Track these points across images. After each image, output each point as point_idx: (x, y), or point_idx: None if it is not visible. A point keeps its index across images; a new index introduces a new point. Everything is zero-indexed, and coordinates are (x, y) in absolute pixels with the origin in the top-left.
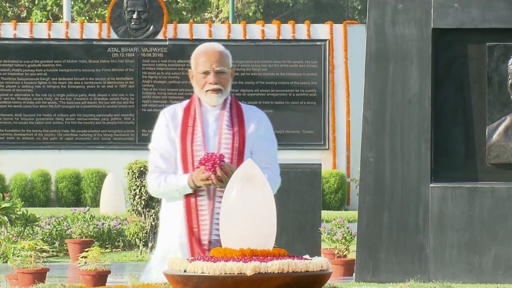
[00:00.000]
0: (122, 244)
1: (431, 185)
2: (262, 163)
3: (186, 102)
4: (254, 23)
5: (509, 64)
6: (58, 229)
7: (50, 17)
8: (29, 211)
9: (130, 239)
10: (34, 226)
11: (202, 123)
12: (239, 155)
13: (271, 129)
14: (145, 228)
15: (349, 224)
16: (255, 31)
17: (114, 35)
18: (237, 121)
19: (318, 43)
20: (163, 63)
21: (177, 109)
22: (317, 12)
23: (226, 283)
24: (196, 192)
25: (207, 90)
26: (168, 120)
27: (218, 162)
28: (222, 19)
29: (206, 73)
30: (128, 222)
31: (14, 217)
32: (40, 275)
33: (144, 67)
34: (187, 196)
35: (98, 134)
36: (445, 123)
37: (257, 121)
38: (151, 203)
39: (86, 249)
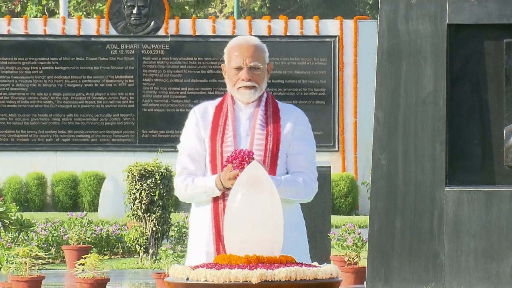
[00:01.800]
0: (121, 251)
1: (446, 188)
2: (298, 167)
3: (219, 99)
4: (260, 18)
5: None
6: (54, 234)
7: (46, 12)
8: (24, 216)
9: (129, 245)
10: (29, 232)
11: (234, 122)
12: (273, 158)
13: (310, 130)
14: (146, 233)
15: (360, 229)
16: (261, 27)
17: (113, 31)
18: (272, 120)
19: (327, 39)
20: (164, 61)
21: (208, 106)
22: (326, 7)
23: None
24: (224, 195)
25: (240, 87)
26: (198, 119)
27: (247, 159)
28: (227, 14)
29: (239, 68)
30: (127, 227)
31: (8, 222)
32: (35, 283)
33: (145, 65)
34: (215, 200)
35: (96, 135)
36: (461, 123)
37: (294, 121)
38: (152, 207)
39: (83, 256)
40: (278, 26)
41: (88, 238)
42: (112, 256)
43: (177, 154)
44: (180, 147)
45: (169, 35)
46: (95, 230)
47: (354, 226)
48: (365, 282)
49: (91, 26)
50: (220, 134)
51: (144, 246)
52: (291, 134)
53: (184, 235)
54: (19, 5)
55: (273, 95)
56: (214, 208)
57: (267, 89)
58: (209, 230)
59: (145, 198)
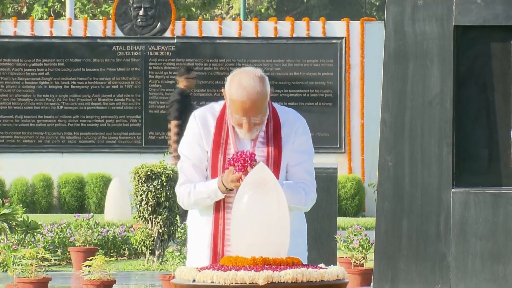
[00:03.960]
0: (127, 252)
1: (453, 190)
2: (297, 178)
3: (218, 108)
4: (267, 20)
5: None
6: (61, 236)
7: (52, 14)
8: (30, 217)
9: (136, 247)
10: (35, 234)
11: (235, 142)
12: (275, 173)
13: (309, 139)
14: (152, 235)
15: (367, 231)
16: (268, 28)
17: (119, 33)
18: (273, 139)
19: (334, 41)
20: (171, 62)
21: (208, 116)
22: (333, 9)
23: None
24: (225, 202)
25: (241, 129)
26: (199, 127)
27: (249, 161)
28: (233, 16)
29: (241, 120)
30: (134, 229)
31: (15, 224)
32: (41, 285)
33: (151, 66)
34: (216, 210)
35: (103, 136)
36: (468, 125)
37: (294, 133)
38: (158, 209)
39: (90, 258)
40: (284, 27)
41: (95, 239)
42: (119, 258)
43: (179, 160)
44: (183, 155)
45: (175, 36)
46: (101, 232)
47: (360, 228)
48: (371, 284)
49: (97, 28)
50: (222, 153)
51: (150, 248)
52: (291, 145)
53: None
54: (25, 6)
55: (279, 96)
56: (215, 217)
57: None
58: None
59: (151, 200)
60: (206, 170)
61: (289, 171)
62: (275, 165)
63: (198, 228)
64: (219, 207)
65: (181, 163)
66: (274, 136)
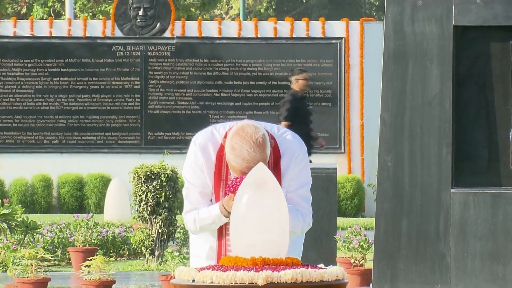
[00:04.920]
0: (127, 253)
1: (452, 190)
2: (294, 204)
3: (218, 138)
4: (266, 20)
5: None
6: (60, 236)
7: (52, 14)
8: (30, 217)
9: (135, 247)
10: (35, 234)
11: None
12: None
13: (307, 166)
14: (152, 235)
15: (366, 231)
16: (267, 28)
17: (119, 33)
18: (273, 171)
19: (333, 41)
20: (170, 62)
21: (209, 146)
22: (332, 9)
23: None
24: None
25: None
26: (201, 156)
27: None
28: (233, 16)
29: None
30: (133, 229)
31: (14, 224)
32: (41, 285)
33: (151, 67)
34: (219, 237)
35: (102, 137)
36: (467, 125)
37: (293, 161)
38: (158, 209)
39: (89, 258)
40: (284, 27)
41: (94, 240)
42: (118, 258)
43: (184, 186)
44: (188, 182)
45: (175, 36)
46: (101, 232)
47: (360, 228)
48: (371, 284)
49: (97, 28)
50: (223, 189)
51: (150, 248)
52: (290, 174)
53: (189, 238)
54: (25, 6)
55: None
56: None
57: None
58: (213, 236)
59: (151, 200)
60: (211, 193)
61: (287, 197)
62: None
63: (199, 236)
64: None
65: (186, 190)
66: (274, 169)
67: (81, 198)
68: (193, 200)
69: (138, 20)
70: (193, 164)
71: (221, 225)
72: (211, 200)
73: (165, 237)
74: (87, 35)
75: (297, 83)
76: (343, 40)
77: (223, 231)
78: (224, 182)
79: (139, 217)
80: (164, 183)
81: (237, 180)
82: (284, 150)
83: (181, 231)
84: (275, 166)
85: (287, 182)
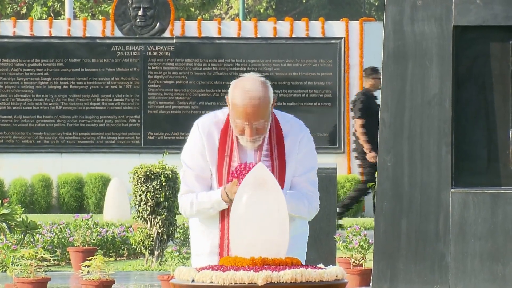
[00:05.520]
0: (127, 253)
1: (452, 190)
2: (301, 188)
3: (222, 117)
4: (266, 20)
5: None
6: (60, 236)
7: (51, 14)
8: (29, 217)
9: (135, 247)
10: (34, 234)
11: (239, 153)
12: (280, 183)
13: (313, 149)
14: (151, 235)
15: (366, 231)
16: (267, 28)
17: (118, 33)
18: (277, 151)
19: (333, 41)
20: (170, 62)
21: (212, 128)
22: (332, 9)
23: None
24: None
25: (243, 137)
26: (202, 138)
27: None
28: (232, 16)
29: (243, 125)
30: (133, 229)
31: (14, 224)
32: (40, 285)
33: (150, 67)
34: (222, 221)
35: (102, 137)
36: (467, 125)
37: (298, 143)
38: (157, 209)
39: (89, 258)
40: (283, 27)
41: (94, 240)
42: (118, 258)
43: (181, 167)
44: (185, 165)
45: (174, 36)
46: (100, 232)
47: (359, 228)
48: (370, 284)
49: (97, 28)
50: (226, 166)
51: (149, 248)
52: (296, 156)
53: (189, 237)
54: (25, 6)
55: (278, 96)
56: (220, 212)
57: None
58: (215, 233)
59: (150, 200)
60: (209, 180)
61: (292, 181)
62: (280, 177)
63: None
64: (224, 212)
65: (183, 173)
66: (277, 149)
67: (81, 198)
68: (189, 183)
69: (138, 20)
70: (192, 148)
71: (223, 224)
72: (210, 185)
73: (165, 237)
74: (87, 35)
75: (369, 82)
76: (342, 40)
77: (226, 227)
78: (228, 158)
79: (138, 217)
80: (163, 183)
81: (241, 166)
82: (287, 132)
83: (181, 231)
84: (278, 146)
85: (293, 165)
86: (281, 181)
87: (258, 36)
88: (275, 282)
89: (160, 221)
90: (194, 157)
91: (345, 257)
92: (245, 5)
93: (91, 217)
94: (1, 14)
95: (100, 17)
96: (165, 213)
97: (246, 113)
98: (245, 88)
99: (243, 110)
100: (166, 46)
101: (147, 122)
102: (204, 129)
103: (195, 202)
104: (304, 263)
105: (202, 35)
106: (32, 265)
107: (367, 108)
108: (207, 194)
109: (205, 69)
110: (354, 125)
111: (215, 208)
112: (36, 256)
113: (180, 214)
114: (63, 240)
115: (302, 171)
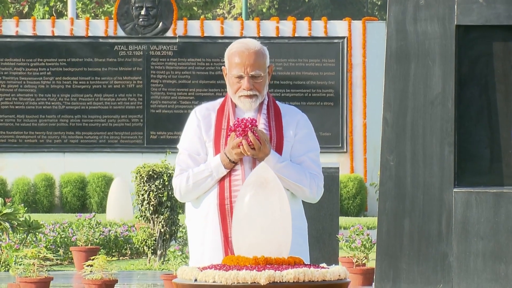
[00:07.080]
0: (129, 252)
1: (455, 190)
2: (308, 168)
3: (219, 101)
4: (268, 19)
5: None
6: (63, 236)
7: (54, 13)
8: (32, 217)
9: (138, 246)
10: (37, 233)
11: None
12: (278, 152)
13: (313, 132)
14: (154, 235)
15: (369, 231)
16: (270, 28)
17: (121, 32)
18: (275, 124)
19: (335, 40)
20: (172, 62)
21: (209, 108)
22: (334, 8)
23: None
24: (231, 196)
25: (241, 95)
26: (199, 120)
27: (250, 126)
28: (235, 16)
29: (240, 77)
30: (136, 228)
31: (16, 224)
32: (43, 285)
33: (153, 66)
34: (222, 203)
35: (105, 136)
36: (469, 125)
37: (296, 124)
38: (160, 209)
39: (91, 257)
40: (286, 27)
41: (96, 239)
42: (120, 258)
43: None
44: (181, 147)
45: (177, 36)
46: (103, 232)
47: (362, 228)
48: (373, 284)
49: (99, 27)
50: (223, 138)
51: (152, 248)
52: (294, 137)
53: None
54: (27, 6)
55: (280, 96)
56: (221, 210)
57: (271, 92)
58: (215, 231)
59: (153, 199)
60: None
61: (296, 162)
62: (278, 147)
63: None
64: (225, 212)
65: (178, 156)
66: (275, 122)
67: (84, 198)
68: (182, 163)
69: (141, 19)
70: (189, 132)
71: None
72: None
73: (168, 236)
74: (90, 34)
75: None
76: (345, 39)
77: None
78: (225, 131)
79: (141, 216)
80: (166, 183)
81: (238, 120)
82: (285, 112)
83: (183, 230)
84: (276, 118)
85: (290, 142)
86: (279, 151)
87: (261, 35)
88: (278, 281)
89: (162, 220)
90: (189, 140)
91: (348, 257)
92: (248, 4)
93: (93, 216)
94: (2, 15)
95: (103, 17)
96: (167, 213)
97: (243, 58)
98: (242, 40)
99: (240, 55)
100: (169, 46)
101: (150, 122)
102: (201, 112)
103: (191, 175)
104: (308, 262)
105: (205, 35)
106: (34, 265)
107: None
108: (204, 163)
109: (207, 69)
110: None
111: (213, 175)
112: (38, 255)
113: (183, 213)
114: (65, 239)
115: (303, 150)
